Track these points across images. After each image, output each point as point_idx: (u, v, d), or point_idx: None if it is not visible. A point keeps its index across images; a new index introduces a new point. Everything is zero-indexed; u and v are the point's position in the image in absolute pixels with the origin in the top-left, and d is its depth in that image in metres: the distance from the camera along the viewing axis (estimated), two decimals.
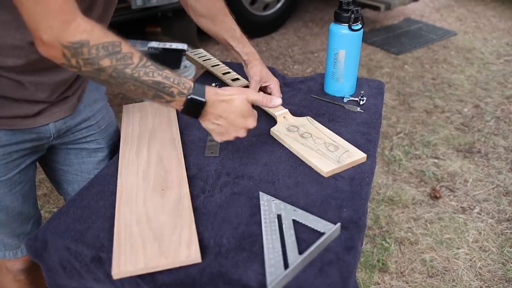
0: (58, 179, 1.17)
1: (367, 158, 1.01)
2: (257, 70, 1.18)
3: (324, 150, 1.01)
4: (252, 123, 0.90)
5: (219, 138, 0.91)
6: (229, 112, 0.86)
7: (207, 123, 0.88)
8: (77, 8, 0.71)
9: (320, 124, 1.12)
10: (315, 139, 1.05)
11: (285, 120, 1.13)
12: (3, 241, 1.06)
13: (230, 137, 0.90)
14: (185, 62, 2.60)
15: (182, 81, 0.81)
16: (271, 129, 1.10)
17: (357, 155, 1.00)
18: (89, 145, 1.11)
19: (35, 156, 1.03)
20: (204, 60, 1.42)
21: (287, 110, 1.15)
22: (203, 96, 0.83)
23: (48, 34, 0.69)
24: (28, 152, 0.99)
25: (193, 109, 0.84)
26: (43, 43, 0.71)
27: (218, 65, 1.39)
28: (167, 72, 0.80)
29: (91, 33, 0.72)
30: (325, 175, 0.96)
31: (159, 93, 0.80)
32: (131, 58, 0.75)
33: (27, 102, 0.91)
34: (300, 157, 1.01)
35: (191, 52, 1.49)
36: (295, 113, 1.16)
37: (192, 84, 0.83)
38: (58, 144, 1.07)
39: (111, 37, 0.74)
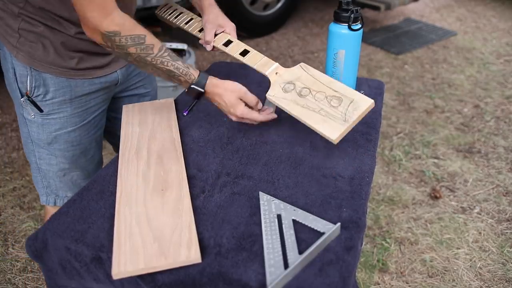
0: (111, 129, 1.34)
1: (366, 157, 1.01)
2: (212, 16, 1.22)
3: (327, 108, 0.95)
4: (238, 111, 1.03)
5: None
6: (219, 102, 1.06)
7: (210, 100, 1.08)
8: (115, 4, 0.93)
9: (315, 70, 1.03)
10: (315, 95, 0.98)
11: (278, 76, 1.05)
12: (56, 187, 1.22)
13: (228, 115, 1.07)
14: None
15: (189, 72, 1.02)
16: (266, 94, 1.03)
17: (363, 105, 0.92)
18: (138, 91, 1.32)
19: (105, 105, 1.23)
20: (175, 17, 1.30)
21: (277, 64, 1.07)
22: (203, 87, 1.04)
23: (91, 21, 0.92)
24: (101, 101, 1.20)
25: (194, 94, 1.05)
26: (88, 28, 0.94)
27: (192, 19, 1.27)
28: (179, 63, 1.01)
29: (122, 26, 0.94)
30: (335, 142, 0.92)
31: (171, 78, 1.03)
32: (152, 49, 0.97)
33: (101, 55, 1.13)
34: (304, 123, 0.96)
35: (159, 10, 1.36)
36: None
37: (196, 76, 1.03)
38: (117, 93, 1.27)
39: (138, 31, 0.96)
